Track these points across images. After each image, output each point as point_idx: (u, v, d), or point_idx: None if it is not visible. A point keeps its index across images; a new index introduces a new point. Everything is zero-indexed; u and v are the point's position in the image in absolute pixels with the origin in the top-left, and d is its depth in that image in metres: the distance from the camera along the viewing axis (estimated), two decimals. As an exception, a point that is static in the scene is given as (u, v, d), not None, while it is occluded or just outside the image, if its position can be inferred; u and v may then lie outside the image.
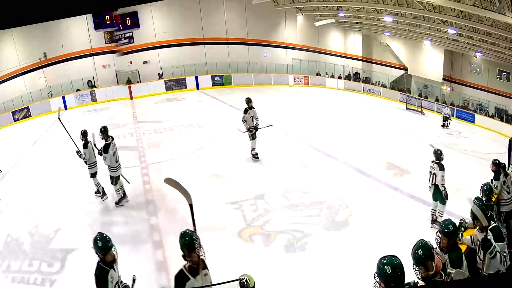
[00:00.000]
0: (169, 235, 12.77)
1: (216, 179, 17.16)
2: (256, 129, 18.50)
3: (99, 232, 7.34)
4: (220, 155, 20.28)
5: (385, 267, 5.02)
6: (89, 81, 37.78)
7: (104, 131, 14.58)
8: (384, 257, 5.16)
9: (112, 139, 14.60)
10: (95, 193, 15.76)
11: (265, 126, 19.03)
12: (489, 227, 7.05)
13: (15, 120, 32.97)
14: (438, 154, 12.54)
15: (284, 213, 14.00)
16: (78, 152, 14.94)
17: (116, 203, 15.02)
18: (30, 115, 33.84)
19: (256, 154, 19.10)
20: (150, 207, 15.03)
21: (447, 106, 32.33)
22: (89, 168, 15.30)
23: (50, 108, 34.47)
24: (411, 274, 5.52)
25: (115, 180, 14.85)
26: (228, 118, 27.02)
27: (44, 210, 15.50)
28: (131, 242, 12.62)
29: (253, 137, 18.71)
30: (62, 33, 36.22)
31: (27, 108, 34.00)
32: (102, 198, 15.50)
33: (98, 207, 15.30)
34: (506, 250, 7.21)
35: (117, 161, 14.63)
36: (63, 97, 35.52)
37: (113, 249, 7.38)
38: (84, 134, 15.09)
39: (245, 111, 18.23)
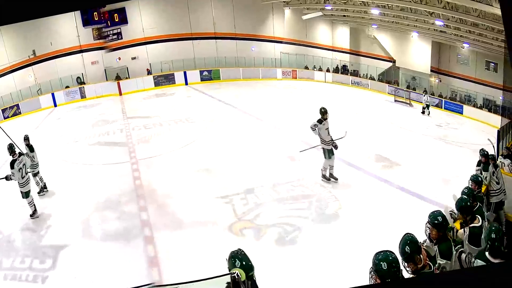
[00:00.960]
0: (160, 230, 12.82)
1: (206, 174, 17.11)
2: (335, 145, 15.79)
3: None
4: (209, 149, 20.24)
5: (381, 263, 5.03)
6: (78, 77, 37.64)
7: (9, 148, 14.20)
8: (379, 252, 5.17)
9: (20, 154, 14.31)
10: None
11: (339, 138, 16.29)
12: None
13: (5, 118, 32.83)
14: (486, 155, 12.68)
15: (274, 207, 14.00)
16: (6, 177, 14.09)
17: (31, 215, 14.57)
18: (20, 113, 33.68)
19: (331, 175, 16.10)
20: (141, 202, 15.00)
21: (427, 94, 32.38)
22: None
23: (39, 106, 34.38)
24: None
25: (25, 195, 14.49)
26: (217, 113, 27.09)
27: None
28: (122, 238, 12.61)
29: (329, 155, 15.85)
30: (51, 30, 36.03)
31: (17, 105, 33.83)
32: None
33: (89, 203, 15.25)
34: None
35: (23, 177, 14.24)
36: (53, 94, 35.39)
37: None
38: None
39: (319, 122, 15.42)
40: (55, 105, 34.70)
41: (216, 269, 6.59)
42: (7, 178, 13.98)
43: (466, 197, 7.98)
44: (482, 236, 6.45)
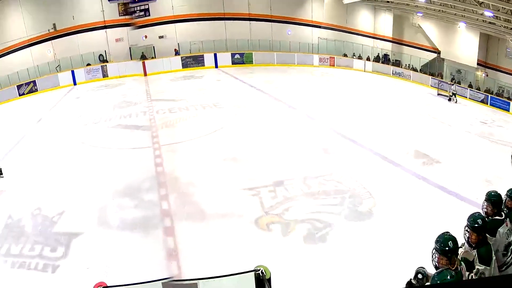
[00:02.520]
0: (181, 221, 12.80)
1: (233, 163, 17.03)
2: None
3: None
4: (238, 138, 20.12)
5: (448, 242, 5.41)
6: (100, 55, 37.74)
7: None
8: (444, 233, 5.52)
9: None
10: None
11: None
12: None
13: (20, 95, 33.02)
14: None
15: (305, 202, 13.86)
16: None
17: None
18: (36, 90, 33.83)
19: None
20: (162, 190, 14.97)
21: (455, 84, 32.30)
22: None
23: (58, 83, 34.53)
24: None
25: None
26: (248, 99, 27.02)
27: (48, 191, 15.56)
28: (141, 227, 12.60)
29: None
30: (73, 4, 36.20)
31: (34, 82, 33.98)
32: None
33: (107, 189, 15.31)
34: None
35: None
36: (72, 72, 35.53)
37: None
38: None
39: None
40: (75, 83, 34.86)
41: (240, 264, 6.54)
42: None
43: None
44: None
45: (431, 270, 5.54)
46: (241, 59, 40.38)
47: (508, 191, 8.35)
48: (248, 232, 12.21)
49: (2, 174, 17.30)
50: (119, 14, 38.16)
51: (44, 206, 14.36)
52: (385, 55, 42.24)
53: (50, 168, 17.75)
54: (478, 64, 37.26)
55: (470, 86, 34.20)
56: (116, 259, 11.13)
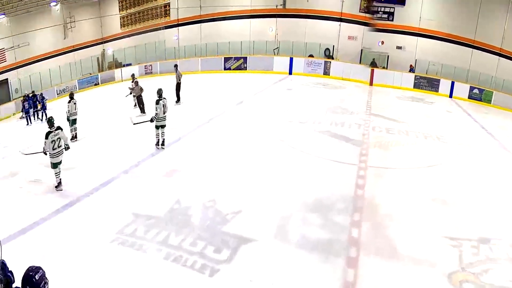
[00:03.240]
0: (369, 255, 12.40)
1: (441, 205, 16.15)
2: None
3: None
4: (453, 177, 19.06)
5: None
6: (327, 49, 38.13)
7: (49, 121, 17.15)
8: None
9: (58, 128, 16.95)
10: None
11: None
12: None
13: (225, 69, 34.13)
14: None
15: (508, 268, 12.85)
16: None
17: (56, 187, 16.90)
18: (245, 68, 34.88)
19: None
20: (356, 216, 14.68)
21: None
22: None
23: (271, 67, 35.22)
24: None
25: (53, 165, 16.93)
26: (474, 139, 25.71)
27: (227, 184, 16.11)
28: (322, 250, 12.38)
29: None
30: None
31: (244, 59, 34.96)
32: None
33: (295, 198, 15.40)
34: None
35: (54, 149, 16.72)
36: (291, 59, 36.19)
37: None
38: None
39: None
40: (290, 73, 35.55)
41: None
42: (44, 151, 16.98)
43: None
44: None
45: None
46: (479, 95, 38.20)
47: None
48: (438, 285, 11.50)
49: (76, 138, 21.83)
50: (360, 9, 38.34)
51: (220, 200, 14.82)
52: None
53: (236, 158, 18.27)
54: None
55: None
56: (284, 277, 11.02)
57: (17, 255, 10.33)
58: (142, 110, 28.12)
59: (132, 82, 30.56)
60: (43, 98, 34.86)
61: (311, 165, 18.71)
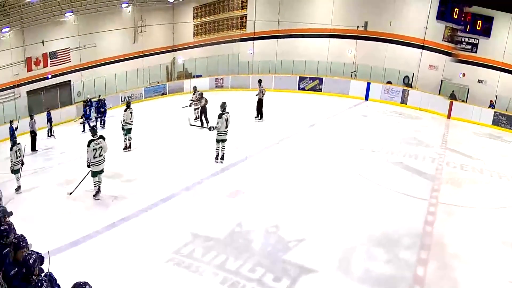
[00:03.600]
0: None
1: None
2: None
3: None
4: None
5: None
6: (406, 77, 38.12)
7: (92, 130, 19.11)
8: None
9: (101, 137, 18.59)
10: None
11: None
12: None
13: (299, 89, 34.62)
14: None
15: None
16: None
17: (94, 195, 18.53)
18: (320, 90, 35.18)
19: None
20: (423, 253, 14.73)
21: None
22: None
23: (347, 90, 35.54)
24: None
25: (93, 173, 18.47)
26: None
27: (294, 210, 16.46)
28: (385, 286, 12.60)
29: None
30: (395, 8, 37.35)
31: (320, 80, 35.33)
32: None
33: (360, 230, 15.69)
34: None
35: (95, 157, 18.20)
36: (368, 84, 36.19)
37: None
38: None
39: None
40: (366, 98, 35.69)
41: None
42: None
43: None
44: None
45: None
46: None
47: None
48: None
49: (130, 148, 24.47)
50: (443, 38, 38.09)
51: (283, 226, 15.14)
52: None
53: (303, 183, 18.70)
54: None
55: None
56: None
57: (66, 268, 10.68)
58: (206, 121, 28.91)
59: (193, 94, 31.35)
60: (104, 104, 35.77)
61: (380, 196, 18.89)
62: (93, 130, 18.76)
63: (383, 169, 22.40)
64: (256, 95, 31.26)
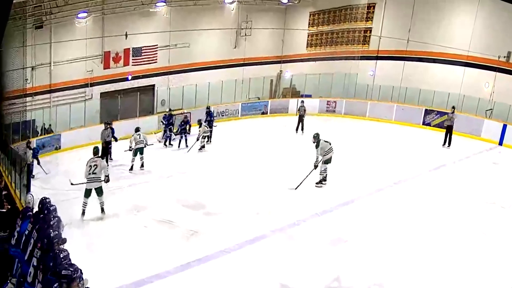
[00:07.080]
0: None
1: None
2: None
3: None
4: None
5: None
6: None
7: (95, 152, 21.32)
8: None
9: (98, 157, 21.12)
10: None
11: None
12: None
13: (424, 123, 34.82)
14: None
15: None
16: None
17: (82, 214, 20.53)
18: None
19: None
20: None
21: None
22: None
23: (479, 131, 35.35)
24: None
25: (85, 192, 20.55)
26: None
27: (398, 267, 16.87)
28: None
29: None
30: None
31: (439, 113, 35.36)
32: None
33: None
34: None
35: (88, 174, 20.46)
36: (504, 126, 35.49)
37: None
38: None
39: None
40: (500, 143, 35.18)
41: None
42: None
43: None
44: None
45: None
46: None
47: None
48: None
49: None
50: None
51: (388, 285, 15.49)
52: None
53: (415, 236, 19.47)
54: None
55: None
56: None
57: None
58: (302, 129, 29.51)
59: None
60: (188, 120, 35.96)
61: (506, 262, 18.23)
62: (94, 150, 21.45)
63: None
64: None
